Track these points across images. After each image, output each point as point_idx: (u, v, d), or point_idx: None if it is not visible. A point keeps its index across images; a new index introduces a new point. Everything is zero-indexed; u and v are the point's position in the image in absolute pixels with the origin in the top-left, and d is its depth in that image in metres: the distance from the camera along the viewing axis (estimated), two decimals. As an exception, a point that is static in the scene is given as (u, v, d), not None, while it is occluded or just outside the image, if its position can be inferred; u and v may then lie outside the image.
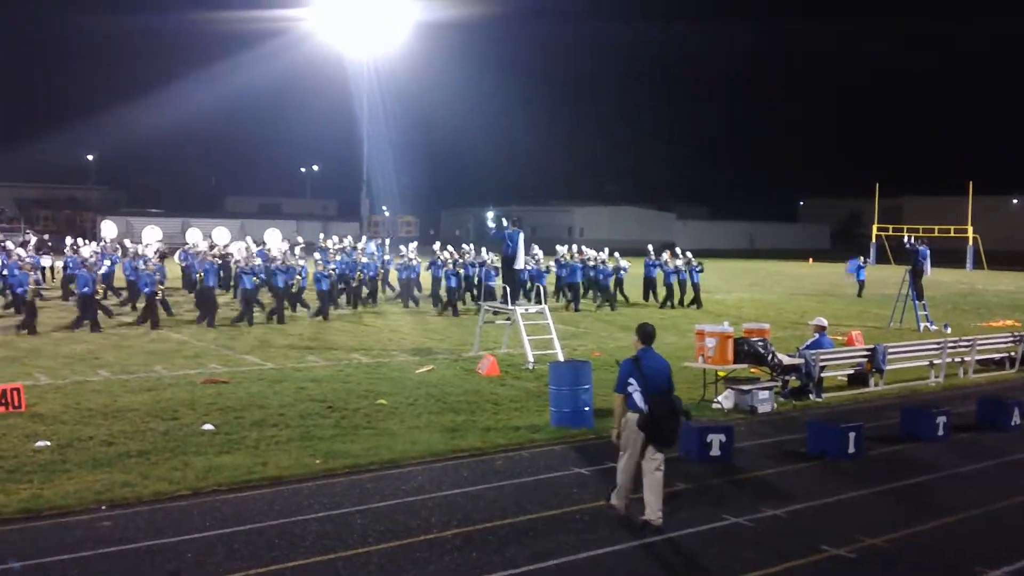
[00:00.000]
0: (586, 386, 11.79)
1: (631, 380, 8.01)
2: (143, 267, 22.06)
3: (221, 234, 31.58)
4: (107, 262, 25.71)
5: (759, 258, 72.19)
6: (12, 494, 8.44)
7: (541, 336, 16.49)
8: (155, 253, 24.54)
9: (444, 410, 12.56)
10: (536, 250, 28.03)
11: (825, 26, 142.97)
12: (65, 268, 25.70)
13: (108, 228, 31.70)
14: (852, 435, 10.60)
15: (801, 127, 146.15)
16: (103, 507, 8.22)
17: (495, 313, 19.21)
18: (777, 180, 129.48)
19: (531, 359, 15.88)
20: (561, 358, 15.48)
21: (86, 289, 20.14)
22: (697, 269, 28.37)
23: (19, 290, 20.90)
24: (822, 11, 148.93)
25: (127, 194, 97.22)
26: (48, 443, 10.21)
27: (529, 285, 26.02)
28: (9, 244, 28.01)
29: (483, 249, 28.44)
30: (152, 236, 29.26)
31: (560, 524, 8.10)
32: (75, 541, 7.40)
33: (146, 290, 21.23)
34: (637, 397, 7.96)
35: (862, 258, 36.56)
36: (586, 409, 11.75)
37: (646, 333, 8.34)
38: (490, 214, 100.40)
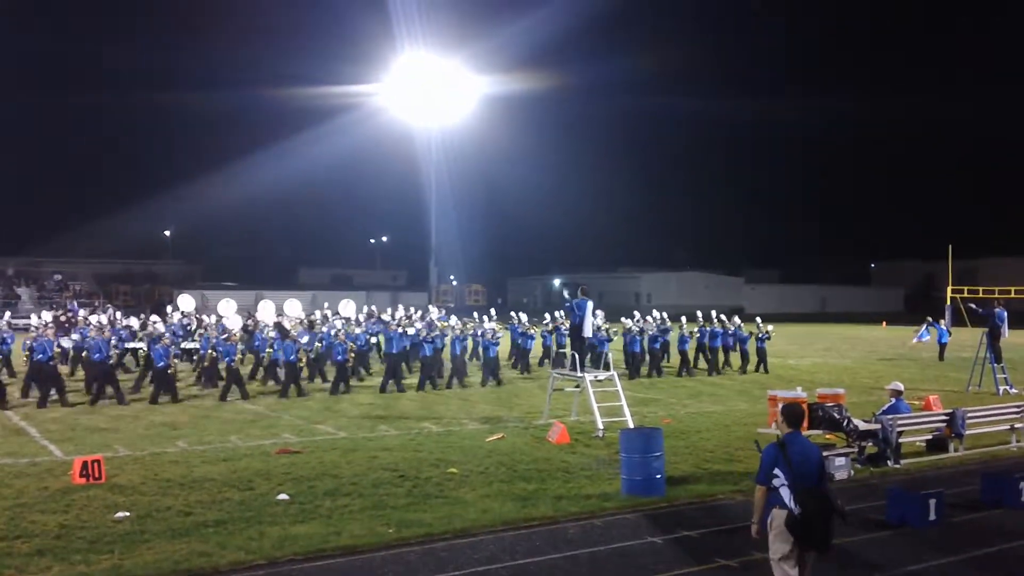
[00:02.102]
0: (657, 453, 11.66)
1: (777, 471, 6.87)
2: (223, 338, 22.60)
3: (293, 306, 32.20)
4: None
5: (831, 322, 70.88)
6: (94, 564, 8.62)
7: (610, 403, 16.40)
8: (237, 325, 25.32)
9: (515, 478, 12.52)
10: (598, 319, 28.05)
11: (897, 91, 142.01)
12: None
13: (185, 301, 32.58)
14: (933, 502, 10.27)
15: (873, 189, 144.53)
16: (182, 577, 8.34)
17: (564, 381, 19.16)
18: (849, 243, 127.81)
19: (601, 426, 15.78)
20: (631, 425, 15.35)
21: (162, 363, 20.77)
22: (764, 336, 28.03)
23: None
24: (895, 77, 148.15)
25: (202, 268, 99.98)
26: (128, 514, 10.42)
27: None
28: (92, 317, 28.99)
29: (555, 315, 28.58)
30: (228, 309, 29.98)
31: (635, 595, 7.97)
32: (155, 610, 7.52)
33: (228, 360, 21.68)
34: (785, 494, 6.80)
35: (929, 319, 35.66)
36: (658, 477, 11.61)
37: (793, 414, 7.20)
38: (556, 282, 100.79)
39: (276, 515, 10.42)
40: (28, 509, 10.59)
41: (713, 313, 28.82)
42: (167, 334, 23.36)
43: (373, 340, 27.84)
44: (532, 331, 26.70)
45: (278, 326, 25.78)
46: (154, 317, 28.93)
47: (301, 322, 27.27)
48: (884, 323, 64.66)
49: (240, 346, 24.12)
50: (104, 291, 74.82)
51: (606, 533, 9.95)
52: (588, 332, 17.75)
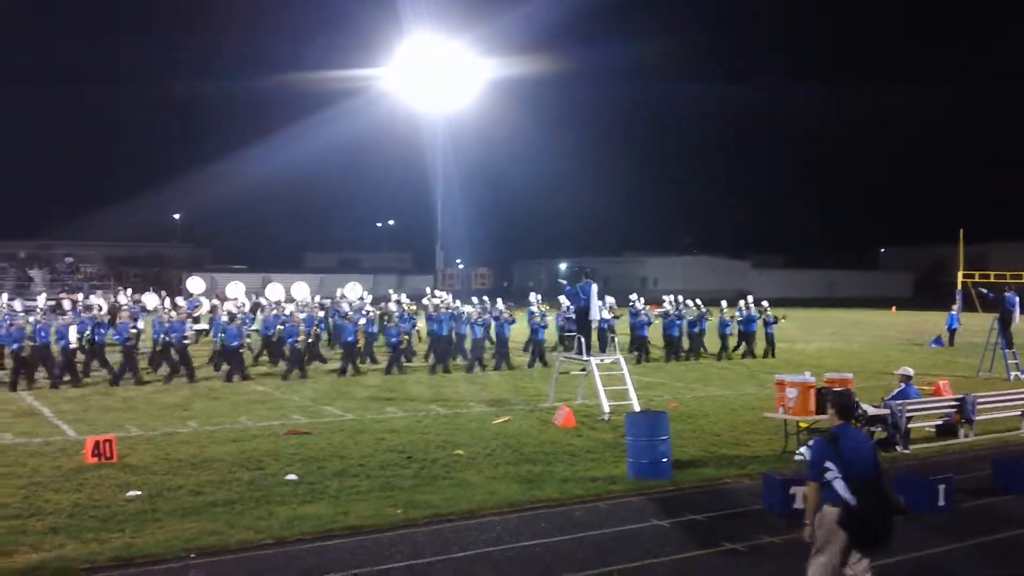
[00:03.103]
0: (663, 437, 11.72)
1: (828, 464, 6.44)
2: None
3: (300, 289, 32.29)
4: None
5: (839, 307, 70.75)
6: (105, 542, 8.73)
7: (617, 387, 16.45)
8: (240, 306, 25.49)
9: (521, 460, 12.60)
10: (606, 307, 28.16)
11: (909, 73, 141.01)
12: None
13: (195, 284, 32.70)
14: (942, 488, 10.30)
15: (882, 173, 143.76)
16: (192, 555, 8.43)
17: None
18: (857, 227, 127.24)
19: (607, 410, 15.84)
20: (637, 409, 15.41)
21: (236, 343, 21.45)
22: (771, 320, 28.06)
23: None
24: (902, 62, 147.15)
25: (211, 251, 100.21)
26: (139, 493, 10.54)
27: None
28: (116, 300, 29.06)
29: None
30: (237, 291, 30.08)
31: (641, 576, 8.04)
32: (166, 588, 7.62)
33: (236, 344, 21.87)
34: (839, 486, 6.34)
35: (955, 307, 35.55)
36: (664, 460, 11.66)
37: (844, 405, 6.76)
38: (563, 266, 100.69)
39: (285, 495, 10.52)
40: (42, 488, 10.72)
41: (750, 298, 29.07)
42: (238, 315, 23.66)
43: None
44: (547, 320, 26.59)
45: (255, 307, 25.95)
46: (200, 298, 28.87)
47: (307, 305, 27.40)
48: (894, 308, 64.52)
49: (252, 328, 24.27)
50: (115, 274, 75.06)
51: (612, 516, 10.02)
52: (595, 316, 17.78)
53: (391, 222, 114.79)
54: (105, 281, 66.47)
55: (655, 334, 27.91)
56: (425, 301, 28.49)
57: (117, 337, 21.78)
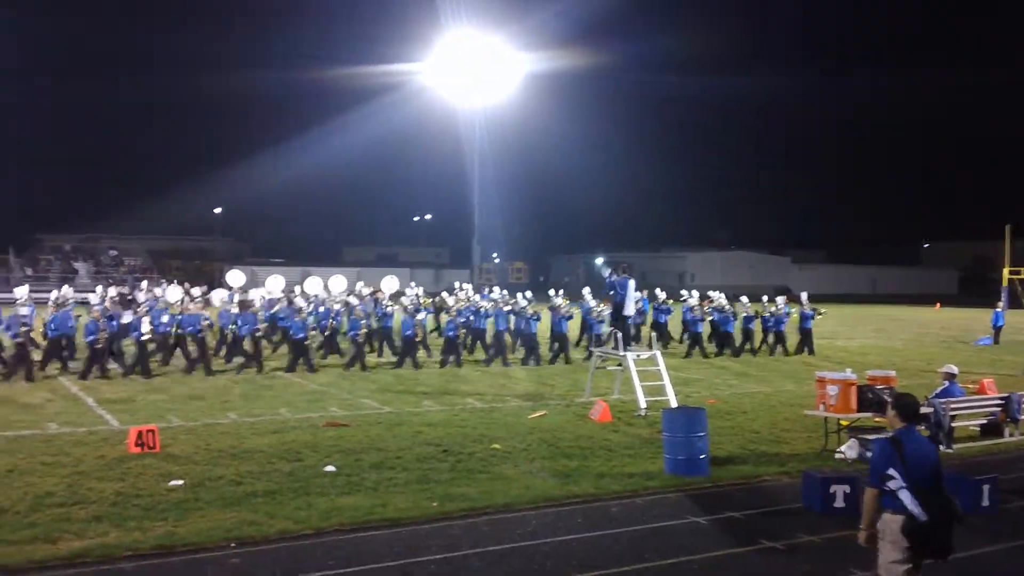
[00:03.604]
0: (701, 433, 11.65)
1: (891, 471, 6.09)
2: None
3: (338, 282, 32.47)
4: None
5: (881, 303, 69.86)
6: (148, 531, 8.86)
7: (653, 382, 16.38)
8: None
9: (557, 455, 12.59)
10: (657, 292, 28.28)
11: (954, 64, 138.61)
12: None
13: (234, 277, 33.01)
14: (986, 487, 10.14)
15: (926, 167, 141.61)
16: (232, 544, 8.54)
17: (605, 360, 19.16)
18: (899, 222, 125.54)
19: (643, 405, 15.78)
20: (674, 404, 15.34)
21: (301, 335, 21.72)
22: (809, 315, 27.76)
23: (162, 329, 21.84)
24: (948, 52, 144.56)
25: (251, 245, 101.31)
26: (181, 482, 10.68)
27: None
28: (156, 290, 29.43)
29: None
30: (276, 285, 30.32)
31: (678, 573, 8.02)
32: (207, 576, 7.73)
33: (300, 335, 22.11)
34: (905, 496, 6.01)
35: (1000, 304, 34.97)
36: (701, 457, 11.60)
37: (908, 407, 6.40)
38: (599, 261, 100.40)
39: (323, 486, 10.61)
40: (86, 477, 10.90)
41: (780, 300, 28.77)
42: (305, 307, 23.97)
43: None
44: (571, 311, 26.52)
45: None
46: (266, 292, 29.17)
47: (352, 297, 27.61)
48: (937, 305, 63.58)
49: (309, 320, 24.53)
50: (157, 266, 76.15)
51: (648, 512, 9.99)
52: (630, 311, 17.72)
53: (428, 216, 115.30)
54: (148, 274, 67.39)
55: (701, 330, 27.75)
56: (444, 295, 28.67)
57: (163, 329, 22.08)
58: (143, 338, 20.91)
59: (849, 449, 12.75)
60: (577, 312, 27.07)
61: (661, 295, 28.51)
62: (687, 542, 8.90)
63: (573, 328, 26.46)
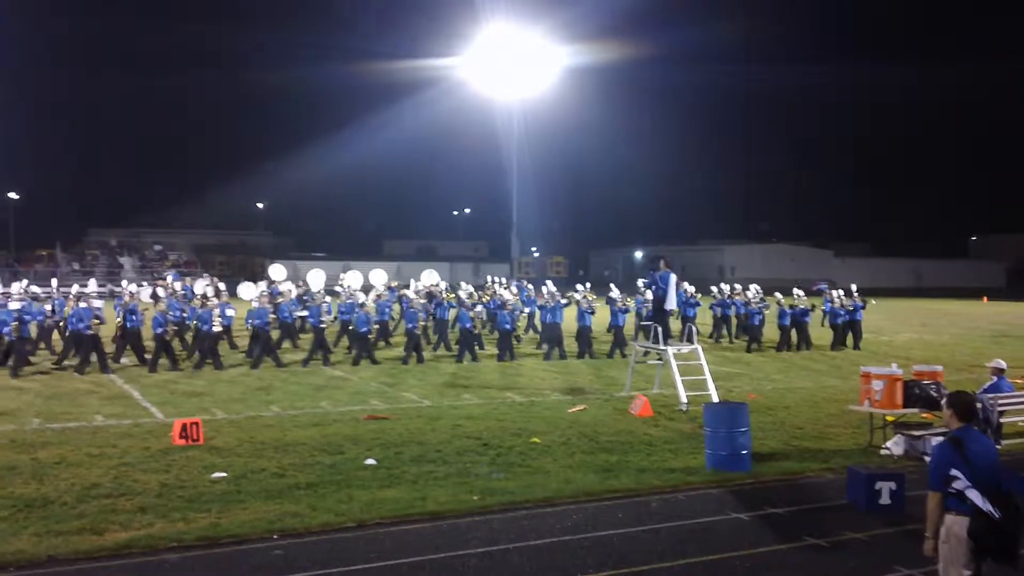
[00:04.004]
0: (743, 429, 11.53)
1: (955, 472, 5.84)
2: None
3: (378, 276, 32.69)
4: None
5: (927, 297, 68.78)
6: (192, 522, 8.97)
7: (694, 376, 16.26)
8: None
9: (597, 450, 12.54)
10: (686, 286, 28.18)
11: (999, 53, 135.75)
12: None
13: (276, 271, 33.35)
14: (1036, 485, 9.92)
15: (973, 158, 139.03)
16: (275, 536, 8.62)
17: (646, 353, 19.07)
18: (945, 214, 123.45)
19: (684, 400, 15.67)
20: (715, 399, 15.21)
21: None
22: (859, 306, 27.45)
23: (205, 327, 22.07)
24: (994, 44, 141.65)
25: (293, 239, 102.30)
26: (224, 474, 10.80)
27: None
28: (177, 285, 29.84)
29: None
30: (317, 278, 30.58)
31: (720, 570, 7.93)
32: (250, 568, 7.79)
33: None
34: (974, 495, 5.75)
35: None
36: (743, 452, 11.48)
37: (966, 406, 6.16)
38: (638, 253, 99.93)
39: (364, 479, 10.67)
40: (131, 468, 11.07)
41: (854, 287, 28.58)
42: (368, 301, 24.37)
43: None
44: (628, 304, 26.45)
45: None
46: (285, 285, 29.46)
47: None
48: (985, 298, 62.44)
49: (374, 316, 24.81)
50: (201, 261, 77.17)
51: (689, 507, 9.91)
52: (672, 305, 17.59)
53: (467, 210, 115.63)
54: (192, 268, 68.31)
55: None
56: (546, 290, 28.73)
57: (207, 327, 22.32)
58: (214, 330, 21.24)
59: (895, 445, 12.56)
60: (632, 303, 27.12)
61: (689, 288, 28.36)
62: (729, 538, 8.81)
63: (598, 322, 26.47)
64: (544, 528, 9.01)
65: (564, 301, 25.53)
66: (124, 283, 30.02)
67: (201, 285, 27.48)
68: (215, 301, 22.65)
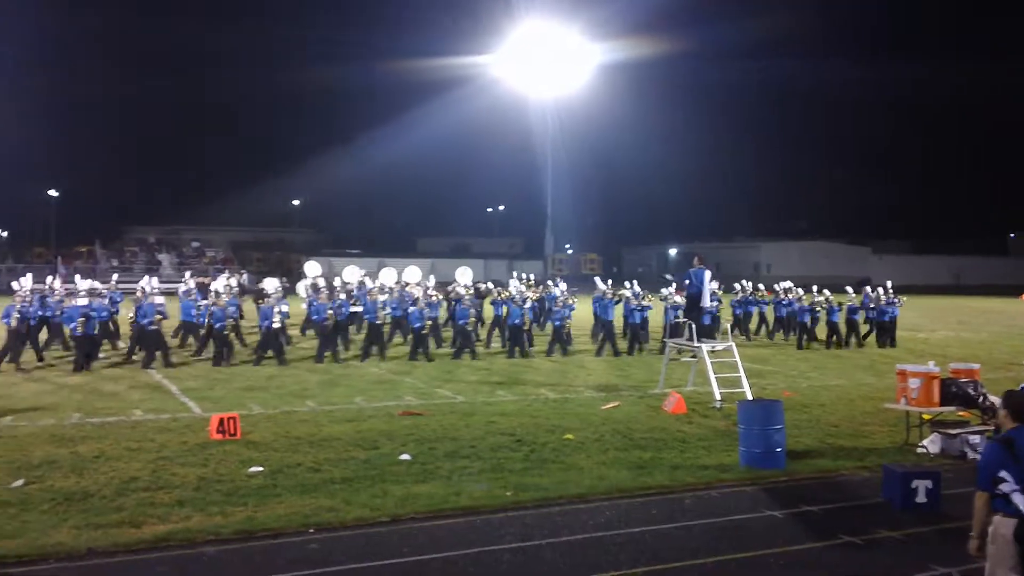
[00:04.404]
0: (778, 426, 11.47)
1: (1003, 474, 5.72)
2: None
3: (412, 273, 32.83)
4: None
5: (965, 294, 67.78)
6: (230, 515, 9.09)
7: (728, 374, 16.18)
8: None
9: (630, 447, 12.54)
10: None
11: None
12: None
13: (311, 268, 33.60)
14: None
15: (1012, 154, 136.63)
16: (311, 530, 8.71)
17: (680, 351, 19.00)
18: (984, 211, 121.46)
19: (719, 397, 15.60)
20: (750, 397, 15.13)
21: (418, 324, 22.32)
22: (893, 301, 27.19)
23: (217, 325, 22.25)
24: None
25: (328, 236, 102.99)
26: (261, 469, 10.93)
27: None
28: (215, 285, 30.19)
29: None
30: (353, 275, 30.79)
31: (754, 568, 7.91)
32: (286, 562, 7.88)
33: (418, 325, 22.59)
34: (1019, 499, 5.64)
35: None
36: (778, 450, 11.43)
37: (1022, 406, 5.96)
38: (672, 251, 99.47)
39: (399, 474, 10.75)
40: (169, 462, 11.24)
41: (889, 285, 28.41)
42: (420, 299, 24.57)
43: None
44: (648, 302, 26.37)
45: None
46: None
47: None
48: (1023, 296, 61.40)
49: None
50: (238, 258, 77.97)
51: (723, 505, 9.88)
52: (706, 302, 17.52)
53: (501, 207, 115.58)
54: (229, 265, 69.03)
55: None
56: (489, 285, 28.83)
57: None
58: (274, 326, 21.53)
59: (931, 444, 12.44)
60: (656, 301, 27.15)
61: (713, 285, 28.22)
62: (763, 536, 8.78)
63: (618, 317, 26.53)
64: (577, 524, 9.03)
65: (616, 299, 25.67)
66: (186, 277, 30.55)
67: (222, 281, 27.76)
68: (225, 298, 22.90)
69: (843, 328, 26.96)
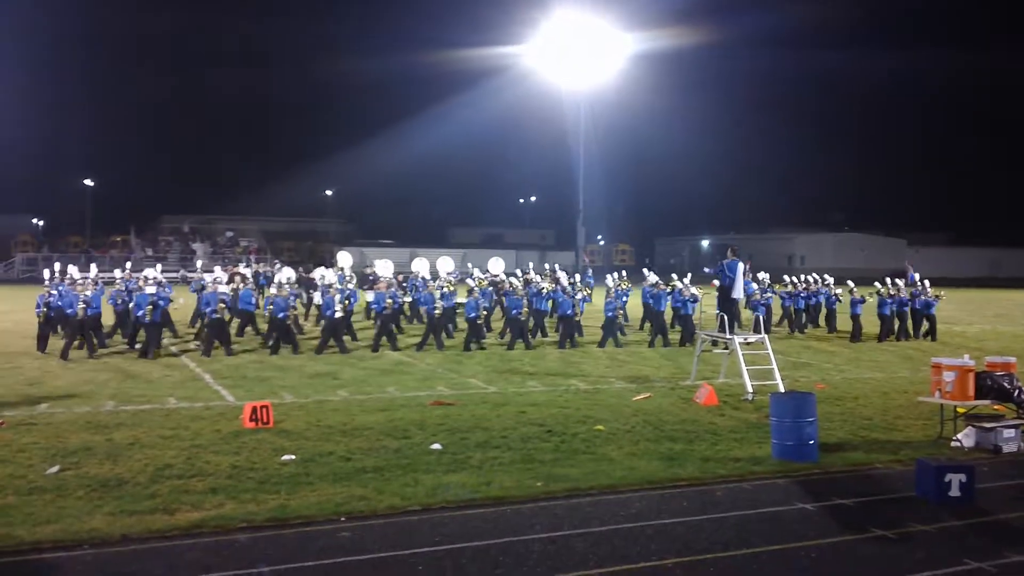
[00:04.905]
0: (810, 419, 11.38)
1: None
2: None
3: (446, 264, 32.93)
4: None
5: (1004, 287, 66.73)
6: (262, 503, 9.18)
7: (761, 366, 16.08)
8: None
9: (661, 438, 12.50)
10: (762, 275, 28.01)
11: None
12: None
13: (344, 258, 33.80)
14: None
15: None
16: (342, 518, 8.77)
17: (714, 343, 18.92)
18: (1023, 202, 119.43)
19: (750, 390, 15.51)
20: (782, 389, 15.02)
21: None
22: (920, 295, 26.83)
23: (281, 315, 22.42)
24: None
25: (361, 226, 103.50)
26: (293, 457, 11.02)
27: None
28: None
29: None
30: (385, 266, 30.92)
31: (785, 560, 7.86)
32: (318, 549, 7.94)
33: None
34: None
35: None
36: (810, 443, 11.34)
37: None
38: (705, 242, 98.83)
39: (430, 464, 10.80)
40: (203, 450, 11.37)
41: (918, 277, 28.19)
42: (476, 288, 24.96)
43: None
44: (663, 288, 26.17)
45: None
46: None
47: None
48: (1064, 289, 60.40)
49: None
50: (271, 247, 78.62)
51: (755, 497, 9.83)
52: (739, 294, 17.41)
53: (533, 198, 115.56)
54: (262, 255, 69.61)
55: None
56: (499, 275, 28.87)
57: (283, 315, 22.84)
58: (336, 315, 21.79)
59: (966, 437, 12.29)
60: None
61: (762, 276, 28.30)
62: (795, 528, 8.73)
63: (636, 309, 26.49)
64: (608, 515, 9.03)
65: (667, 290, 25.67)
66: (280, 268, 30.99)
67: (286, 273, 28.05)
68: (287, 289, 23.09)
69: (894, 322, 26.68)
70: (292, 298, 22.88)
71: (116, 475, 10.12)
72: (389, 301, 22.66)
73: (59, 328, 22.00)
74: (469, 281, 26.19)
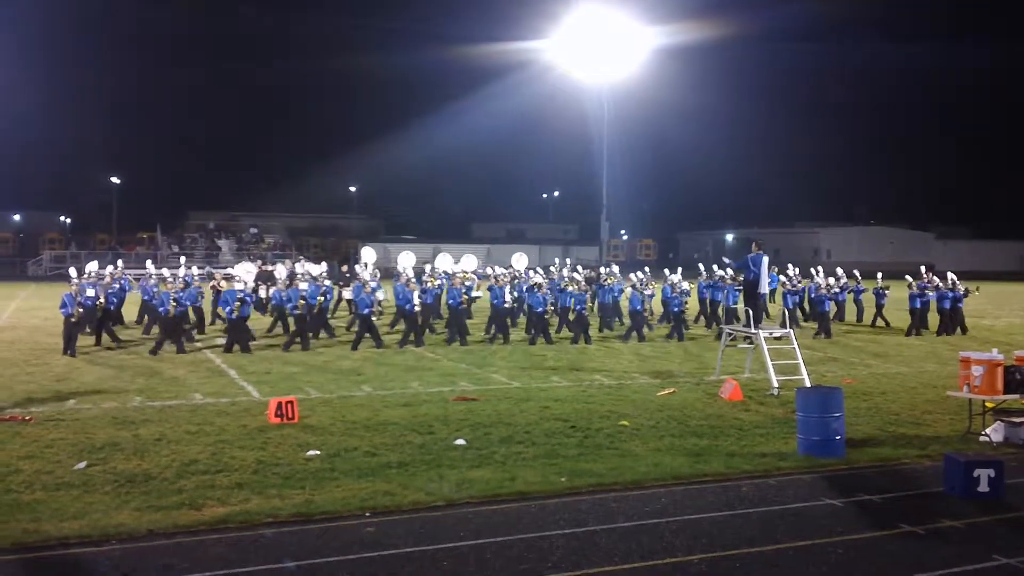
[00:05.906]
0: (837, 414, 11.29)
1: None
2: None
3: (469, 260, 32.93)
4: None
5: (1033, 280, 65.84)
6: (287, 498, 9.22)
7: (786, 361, 15.96)
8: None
9: (686, 433, 12.45)
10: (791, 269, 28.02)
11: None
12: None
13: (368, 254, 33.88)
14: None
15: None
16: (367, 514, 8.81)
17: (744, 338, 18.75)
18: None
19: (776, 384, 15.40)
20: (808, 384, 14.91)
21: (366, 311, 22.09)
22: (962, 295, 26.49)
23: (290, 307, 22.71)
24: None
25: (384, 222, 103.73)
26: (318, 452, 11.07)
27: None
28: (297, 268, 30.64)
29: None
30: (407, 262, 30.97)
31: (812, 556, 7.81)
32: (342, 544, 7.98)
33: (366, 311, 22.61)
34: None
35: None
36: (837, 438, 11.25)
37: None
38: (729, 236, 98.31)
39: (454, 459, 10.82)
40: (229, 445, 11.44)
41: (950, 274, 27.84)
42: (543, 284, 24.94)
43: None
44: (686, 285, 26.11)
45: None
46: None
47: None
48: (1094, 282, 59.55)
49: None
50: (295, 243, 79.01)
51: (781, 493, 9.77)
52: (764, 288, 17.28)
53: (556, 193, 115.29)
54: (286, 251, 69.96)
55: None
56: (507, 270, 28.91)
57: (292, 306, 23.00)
58: (371, 312, 21.99)
59: (994, 432, 12.15)
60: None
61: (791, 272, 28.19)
62: (822, 524, 8.66)
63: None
64: (632, 511, 9.00)
65: (737, 285, 25.48)
66: (276, 266, 31.14)
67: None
68: (372, 284, 23.46)
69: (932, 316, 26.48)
70: (380, 294, 23.08)
71: (143, 470, 10.21)
72: (377, 301, 22.72)
73: (87, 327, 22.15)
74: (535, 276, 26.30)
